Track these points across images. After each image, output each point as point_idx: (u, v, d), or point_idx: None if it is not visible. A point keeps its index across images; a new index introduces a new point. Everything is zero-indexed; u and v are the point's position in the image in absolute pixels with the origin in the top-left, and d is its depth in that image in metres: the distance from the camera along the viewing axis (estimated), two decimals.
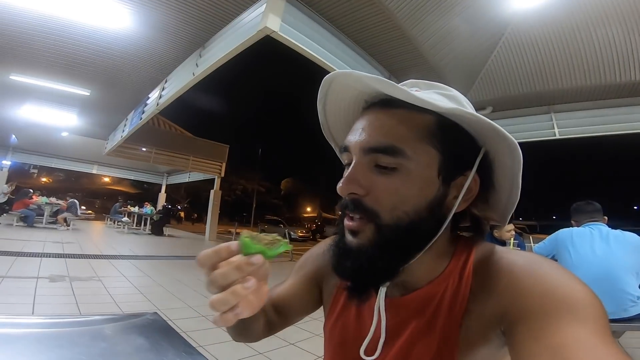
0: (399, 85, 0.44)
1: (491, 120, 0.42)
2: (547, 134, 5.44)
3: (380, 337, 0.49)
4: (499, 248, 0.48)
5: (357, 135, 0.46)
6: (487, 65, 4.90)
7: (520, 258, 0.43)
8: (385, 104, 0.46)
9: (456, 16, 3.81)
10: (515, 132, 5.60)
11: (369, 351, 0.50)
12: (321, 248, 0.69)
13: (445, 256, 0.49)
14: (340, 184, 0.45)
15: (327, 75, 0.49)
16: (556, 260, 2.38)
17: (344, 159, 0.49)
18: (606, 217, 2.42)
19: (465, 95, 0.51)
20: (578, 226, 2.42)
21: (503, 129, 0.42)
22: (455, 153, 0.45)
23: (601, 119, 5.07)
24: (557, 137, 5.35)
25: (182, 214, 36.26)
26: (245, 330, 0.59)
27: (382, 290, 0.50)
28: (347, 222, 0.46)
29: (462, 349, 0.43)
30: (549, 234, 2.57)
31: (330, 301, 0.62)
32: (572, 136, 5.30)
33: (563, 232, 2.40)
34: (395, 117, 0.45)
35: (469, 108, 0.48)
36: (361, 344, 0.51)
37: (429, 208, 0.44)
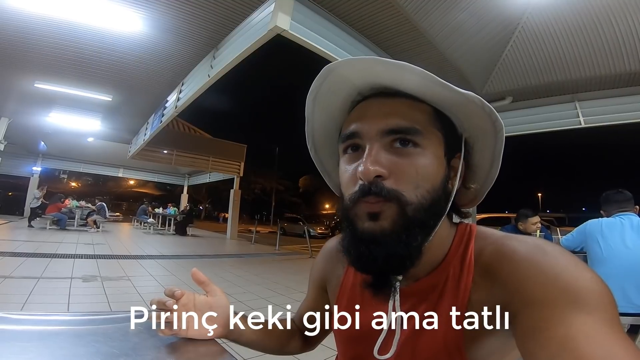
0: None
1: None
2: (572, 123, 5.25)
3: (395, 334, 0.48)
4: (500, 234, 0.46)
5: (371, 120, 0.46)
6: (504, 56, 4.76)
7: (523, 245, 0.42)
8: (385, 95, 0.48)
9: (467, 7, 3.73)
10: (538, 121, 5.45)
11: (383, 349, 0.48)
12: (320, 255, 0.73)
13: (445, 242, 0.48)
14: (362, 168, 0.43)
15: (326, 66, 0.47)
16: (585, 253, 2.30)
17: (343, 147, 0.49)
18: (637, 207, 2.31)
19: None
20: (608, 217, 2.31)
21: (495, 110, 0.46)
22: (451, 136, 0.49)
23: (629, 106, 4.84)
24: (583, 125, 5.15)
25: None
26: (257, 347, 0.65)
27: (397, 285, 0.49)
28: (365, 206, 0.43)
29: (468, 340, 0.42)
30: (578, 226, 2.46)
31: (335, 299, 0.62)
32: (599, 124, 5.09)
33: (592, 223, 2.30)
34: (405, 105, 0.47)
35: None
36: (369, 338, 0.50)
37: (442, 186, 0.46)
